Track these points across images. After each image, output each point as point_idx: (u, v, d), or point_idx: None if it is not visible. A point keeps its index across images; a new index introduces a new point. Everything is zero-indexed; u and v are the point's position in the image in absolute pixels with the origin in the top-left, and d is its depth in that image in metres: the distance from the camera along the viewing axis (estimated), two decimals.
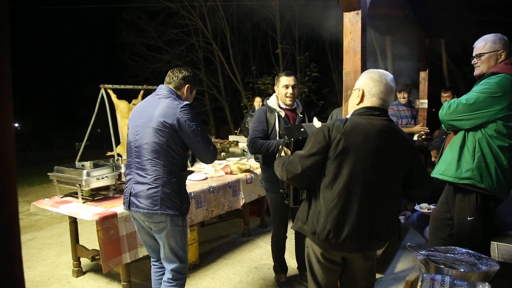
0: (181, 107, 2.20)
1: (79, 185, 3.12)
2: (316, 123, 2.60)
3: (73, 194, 3.35)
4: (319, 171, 1.79)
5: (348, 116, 1.90)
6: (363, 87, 1.87)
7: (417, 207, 3.49)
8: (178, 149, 2.23)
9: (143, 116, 2.27)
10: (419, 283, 1.95)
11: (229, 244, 4.20)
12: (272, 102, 3.00)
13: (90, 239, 4.01)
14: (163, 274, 2.46)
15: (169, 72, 2.44)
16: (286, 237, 3.16)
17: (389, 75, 1.89)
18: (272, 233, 3.16)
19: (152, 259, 2.55)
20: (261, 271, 3.50)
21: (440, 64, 10.96)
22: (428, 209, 3.39)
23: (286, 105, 2.96)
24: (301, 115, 3.01)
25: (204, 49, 14.52)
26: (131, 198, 2.25)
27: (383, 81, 1.84)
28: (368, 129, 1.76)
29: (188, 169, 2.43)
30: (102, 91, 4.03)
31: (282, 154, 2.10)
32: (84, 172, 3.10)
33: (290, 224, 2.95)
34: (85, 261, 3.48)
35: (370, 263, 1.98)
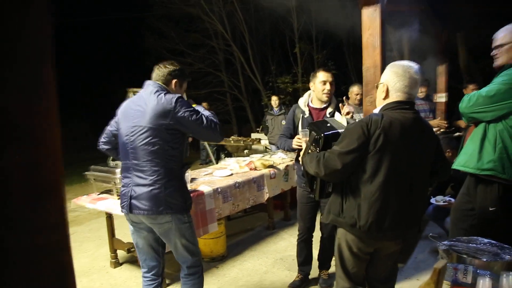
0: (175, 101, 2.13)
1: (114, 182, 3.34)
2: (339, 118, 2.65)
3: (109, 191, 3.58)
4: (357, 166, 1.82)
5: (376, 111, 1.94)
6: (387, 82, 1.90)
7: (432, 200, 3.52)
8: (176, 145, 2.17)
9: (136, 115, 2.18)
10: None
11: (254, 236, 4.36)
12: (301, 100, 2.98)
13: (125, 233, 4.21)
14: (156, 286, 2.45)
15: (154, 69, 2.32)
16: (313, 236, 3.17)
17: (414, 67, 1.90)
18: (299, 229, 3.17)
19: (143, 270, 2.46)
20: (286, 262, 3.63)
21: (458, 58, 10.77)
22: (443, 201, 3.42)
23: (322, 101, 2.87)
24: (329, 115, 2.85)
25: (225, 51, 14.75)
26: (132, 201, 2.16)
27: (406, 75, 1.86)
28: (403, 123, 1.81)
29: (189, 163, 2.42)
30: (129, 94, 4.26)
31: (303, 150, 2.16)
32: (118, 170, 3.32)
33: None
34: (121, 253, 3.70)
35: (399, 247, 2.10)
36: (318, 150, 1.99)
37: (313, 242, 3.18)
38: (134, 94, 4.42)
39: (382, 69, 2.85)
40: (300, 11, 12.36)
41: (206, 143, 7.60)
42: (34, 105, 0.75)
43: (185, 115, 2.13)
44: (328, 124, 2.10)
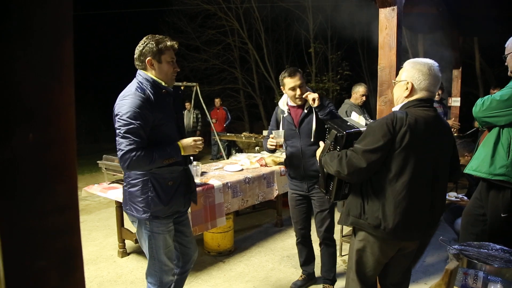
0: (119, 98, 1.96)
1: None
2: (356, 117, 2.61)
3: (119, 181, 3.62)
4: (381, 164, 1.77)
5: (396, 109, 1.89)
6: (412, 81, 1.85)
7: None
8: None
9: None
10: None
11: (262, 233, 4.36)
12: (281, 101, 2.92)
13: None
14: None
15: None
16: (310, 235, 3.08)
17: (436, 65, 1.88)
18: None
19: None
20: (293, 259, 3.62)
21: (473, 63, 10.64)
22: (455, 197, 3.35)
23: (296, 104, 2.79)
24: (306, 110, 2.75)
25: (240, 48, 14.81)
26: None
27: (431, 73, 1.84)
28: (428, 121, 1.78)
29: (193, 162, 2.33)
30: None
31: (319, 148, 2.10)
32: None
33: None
34: (129, 243, 3.75)
35: (416, 246, 2.06)
36: (338, 149, 1.92)
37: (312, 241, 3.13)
38: None
39: (398, 69, 2.83)
40: (316, 11, 12.35)
41: (217, 138, 7.62)
42: (48, 85, 0.73)
43: (116, 117, 1.95)
44: (348, 123, 2.04)
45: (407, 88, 1.85)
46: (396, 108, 1.92)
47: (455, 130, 4.55)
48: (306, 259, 3.12)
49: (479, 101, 2.38)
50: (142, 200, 2.04)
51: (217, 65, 14.74)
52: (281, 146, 2.73)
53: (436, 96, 4.72)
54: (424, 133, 1.75)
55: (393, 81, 2.00)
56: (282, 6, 12.39)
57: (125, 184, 2.13)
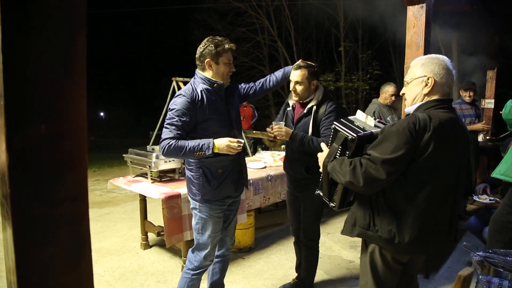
0: (174, 96, 2.23)
1: (149, 166, 3.45)
2: (362, 117, 2.36)
3: (144, 175, 3.71)
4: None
5: (411, 109, 1.74)
6: (434, 76, 1.65)
7: (475, 197, 3.27)
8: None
9: None
10: (474, 285, 1.90)
11: (283, 231, 4.33)
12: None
13: (157, 217, 4.36)
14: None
15: None
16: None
17: (450, 61, 1.73)
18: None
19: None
20: None
21: (511, 64, 10.13)
22: (490, 200, 3.16)
23: (294, 99, 2.70)
24: (306, 111, 2.62)
25: (269, 46, 14.82)
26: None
27: (450, 70, 1.68)
28: (451, 125, 1.60)
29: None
30: (174, 83, 4.38)
31: (325, 152, 1.87)
32: (154, 155, 3.42)
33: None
34: (151, 236, 3.83)
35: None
36: (347, 154, 1.71)
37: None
38: (178, 84, 4.57)
39: None
40: (347, 9, 12.18)
41: (243, 135, 7.66)
42: (60, 78, 0.75)
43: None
44: (356, 123, 1.79)
45: (427, 85, 1.66)
46: (411, 108, 1.74)
47: (485, 133, 4.36)
48: (298, 263, 3.05)
49: (509, 103, 2.30)
50: (196, 184, 2.30)
51: (246, 63, 14.80)
52: (277, 138, 2.58)
53: (467, 98, 4.55)
54: (449, 139, 1.57)
55: (405, 80, 1.80)
56: (313, 4, 12.30)
57: (186, 170, 2.38)
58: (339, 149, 1.74)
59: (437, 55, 1.73)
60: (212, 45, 2.19)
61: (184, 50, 15.10)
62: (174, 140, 2.14)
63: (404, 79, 1.83)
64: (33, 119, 0.73)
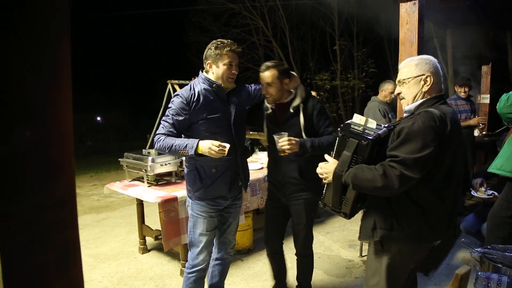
0: (173, 95, 2.34)
1: (145, 170, 3.43)
2: (359, 119, 2.22)
3: (140, 179, 3.69)
4: None
5: (411, 107, 1.76)
6: (432, 75, 1.72)
7: (473, 192, 3.24)
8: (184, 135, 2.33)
9: None
10: (473, 281, 1.89)
11: None
12: None
13: (155, 221, 4.36)
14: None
15: None
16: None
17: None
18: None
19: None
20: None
21: (505, 58, 10.16)
22: (488, 195, 3.15)
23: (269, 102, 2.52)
24: (292, 110, 2.45)
25: (264, 47, 14.82)
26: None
27: (439, 68, 1.77)
28: (455, 120, 1.68)
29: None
30: (169, 86, 4.35)
31: (331, 159, 1.84)
32: (150, 158, 3.40)
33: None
34: (149, 240, 3.80)
35: None
36: (360, 160, 1.69)
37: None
38: (173, 87, 4.54)
39: None
40: (341, 7, 12.20)
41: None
42: (46, 82, 0.74)
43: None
44: (360, 128, 1.75)
45: (426, 82, 1.72)
46: (411, 106, 1.76)
47: (481, 127, 4.36)
48: (276, 272, 2.91)
49: (503, 97, 2.29)
50: (188, 180, 2.37)
51: (242, 64, 14.80)
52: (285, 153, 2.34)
53: (462, 93, 4.55)
54: (457, 134, 1.66)
55: (401, 79, 1.80)
56: (307, 3, 12.31)
57: (184, 167, 2.47)
58: (354, 157, 1.70)
59: (427, 56, 1.79)
60: (213, 48, 2.25)
61: (180, 52, 15.11)
62: (164, 136, 2.24)
63: (398, 79, 1.83)
64: (17, 124, 0.71)
